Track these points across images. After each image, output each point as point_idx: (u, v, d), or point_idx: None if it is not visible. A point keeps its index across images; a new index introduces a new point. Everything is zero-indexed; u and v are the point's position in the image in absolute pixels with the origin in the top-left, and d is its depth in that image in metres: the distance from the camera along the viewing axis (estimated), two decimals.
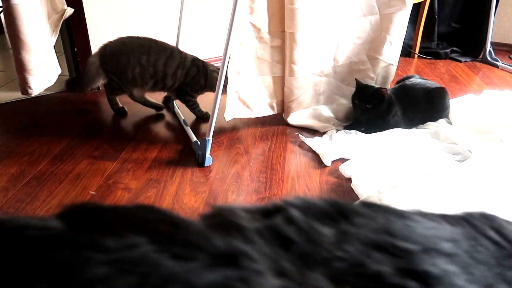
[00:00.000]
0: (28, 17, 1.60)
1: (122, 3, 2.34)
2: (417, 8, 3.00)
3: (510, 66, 2.89)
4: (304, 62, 1.87)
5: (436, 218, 0.46)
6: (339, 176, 1.58)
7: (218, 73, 1.61)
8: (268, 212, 0.44)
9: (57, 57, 1.98)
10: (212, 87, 1.86)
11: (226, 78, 1.64)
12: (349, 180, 1.53)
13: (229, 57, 1.61)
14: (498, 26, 3.27)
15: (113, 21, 2.34)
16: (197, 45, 2.09)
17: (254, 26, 1.76)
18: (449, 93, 1.99)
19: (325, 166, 1.65)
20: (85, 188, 1.47)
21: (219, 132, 1.88)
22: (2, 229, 0.37)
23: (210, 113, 1.71)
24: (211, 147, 1.65)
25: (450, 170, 1.51)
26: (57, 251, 0.34)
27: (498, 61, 2.95)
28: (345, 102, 2.08)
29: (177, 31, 2.28)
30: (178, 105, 2.15)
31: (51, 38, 1.92)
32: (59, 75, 2.00)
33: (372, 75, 2.07)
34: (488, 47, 2.99)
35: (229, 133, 1.91)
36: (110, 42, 1.94)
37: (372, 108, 1.81)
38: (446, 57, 3.14)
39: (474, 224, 0.45)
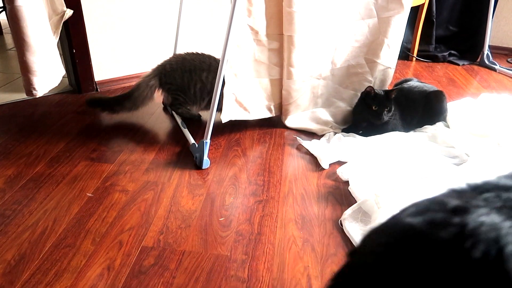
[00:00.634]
0: (32, 19, 1.60)
1: (121, 5, 2.34)
2: (415, 12, 3.01)
3: (507, 69, 2.90)
4: (302, 65, 1.88)
5: None
6: (337, 179, 1.58)
7: None
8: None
9: None
10: None
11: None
12: (347, 183, 1.54)
13: (227, 59, 1.61)
14: (496, 29, 3.28)
15: (111, 23, 2.35)
16: (195, 47, 2.09)
17: (252, 28, 1.76)
18: (447, 96, 1.99)
19: (323, 169, 1.65)
20: (82, 190, 1.47)
21: (216, 134, 1.88)
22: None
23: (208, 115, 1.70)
24: (209, 149, 1.65)
25: (448, 174, 1.51)
26: None
27: (496, 65, 2.95)
28: (343, 105, 2.09)
29: (176, 33, 2.28)
30: None
31: (54, 40, 1.92)
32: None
33: (370, 78, 2.08)
34: (486, 50, 3.00)
35: (227, 135, 1.91)
36: (168, 61, 1.97)
37: (388, 111, 1.82)
38: (444, 60, 3.14)
39: None
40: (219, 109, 1.75)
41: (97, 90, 2.33)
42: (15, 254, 1.17)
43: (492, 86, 2.64)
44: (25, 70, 1.67)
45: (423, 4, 3.01)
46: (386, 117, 1.82)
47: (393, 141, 1.79)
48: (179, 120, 2.02)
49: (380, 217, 1.24)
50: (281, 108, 2.01)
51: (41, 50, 1.68)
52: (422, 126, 1.94)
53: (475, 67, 3.04)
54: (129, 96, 1.94)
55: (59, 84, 2.07)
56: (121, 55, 2.44)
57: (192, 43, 2.56)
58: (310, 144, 1.79)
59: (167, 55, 2.07)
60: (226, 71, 1.71)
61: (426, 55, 3.17)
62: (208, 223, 1.32)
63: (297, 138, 1.87)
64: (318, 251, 1.22)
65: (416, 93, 1.96)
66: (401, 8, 1.94)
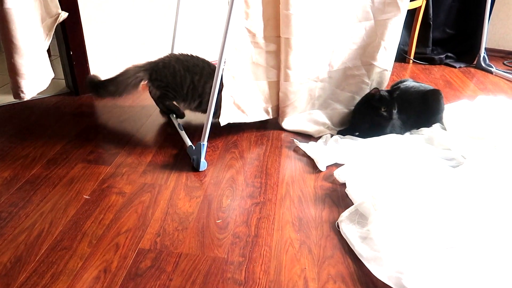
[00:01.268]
0: (21, 21, 1.59)
1: (118, 7, 2.35)
2: (412, 14, 3.02)
3: (504, 72, 2.92)
4: (299, 67, 1.88)
5: None
6: (334, 181, 1.58)
7: None
8: None
9: (52, 60, 1.97)
10: None
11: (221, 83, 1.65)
12: (344, 185, 1.54)
13: (224, 62, 1.61)
14: (492, 32, 3.30)
15: (109, 24, 2.35)
16: (193, 49, 2.09)
17: (249, 31, 1.77)
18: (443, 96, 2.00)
19: (320, 171, 1.65)
20: (79, 192, 1.47)
21: (214, 136, 1.88)
22: None
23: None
24: (206, 151, 1.65)
25: (444, 176, 1.51)
26: None
27: (492, 67, 2.97)
28: (339, 107, 2.09)
29: (173, 35, 2.28)
30: None
31: (45, 42, 1.92)
32: (53, 79, 1.99)
33: (367, 81, 2.08)
34: (483, 53, 3.02)
35: (224, 137, 1.91)
36: (162, 59, 1.97)
37: (395, 110, 1.82)
38: (441, 62, 3.16)
39: None
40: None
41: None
42: (11, 256, 1.17)
43: (489, 89, 2.65)
44: (13, 72, 1.66)
45: (420, 6, 3.02)
46: (395, 116, 1.83)
47: (390, 143, 1.79)
48: (176, 122, 2.02)
49: (376, 220, 1.25)
50: (278, 110, 2.02)
51: (30, 53, 1.67)
52: (420, 125, 1.95)
53: (472, 69, 3.05)
54: (114, 79, 1.94)
55: (56, 86, 2.06)
56: (118, 57, 2.44)
57: (189, 46, 2.56)
58: (307, 146, 1.80)
59: None
60: (224, 74, 1.71)
61: (423, 58, 3.19)
62: (205, 225, 1.32)
63: (294, 140, 1.87)
64: (315, 253, 1.22)
65: (413, 93, 1.96)
66: (397, 11, 1.95)
